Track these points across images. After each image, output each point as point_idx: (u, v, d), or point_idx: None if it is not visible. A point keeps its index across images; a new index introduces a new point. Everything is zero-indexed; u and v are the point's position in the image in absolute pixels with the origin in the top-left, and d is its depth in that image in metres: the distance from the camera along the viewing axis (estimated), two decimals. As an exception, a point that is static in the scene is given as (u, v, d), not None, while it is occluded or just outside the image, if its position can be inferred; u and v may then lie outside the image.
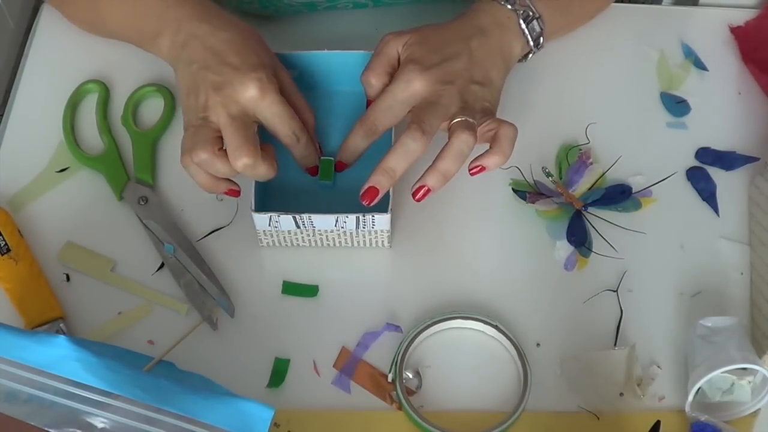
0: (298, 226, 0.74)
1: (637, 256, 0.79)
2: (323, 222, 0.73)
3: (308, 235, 0.75)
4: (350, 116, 0.82)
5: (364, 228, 0.74)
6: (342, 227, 0.74)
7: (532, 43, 0.78)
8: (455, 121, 0.70)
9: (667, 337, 0.75)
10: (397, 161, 0.70)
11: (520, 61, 0.80)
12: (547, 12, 0.79)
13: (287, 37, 0.89)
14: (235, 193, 0.73)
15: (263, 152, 0.70)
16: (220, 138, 0.70)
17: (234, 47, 0.72)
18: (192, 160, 0.70)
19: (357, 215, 0.72)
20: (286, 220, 0.73)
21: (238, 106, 0.70)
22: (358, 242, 0.76)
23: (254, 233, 0.76)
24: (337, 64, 0.81)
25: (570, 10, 0.85)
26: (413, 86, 0.72)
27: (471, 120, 0.70)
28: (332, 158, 0.78)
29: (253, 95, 0.70)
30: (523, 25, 0.77)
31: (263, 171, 0.70)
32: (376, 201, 0.70)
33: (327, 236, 0.75)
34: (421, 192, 0.71)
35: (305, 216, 0.72)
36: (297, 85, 0.77)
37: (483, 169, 0.72)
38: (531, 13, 0.77)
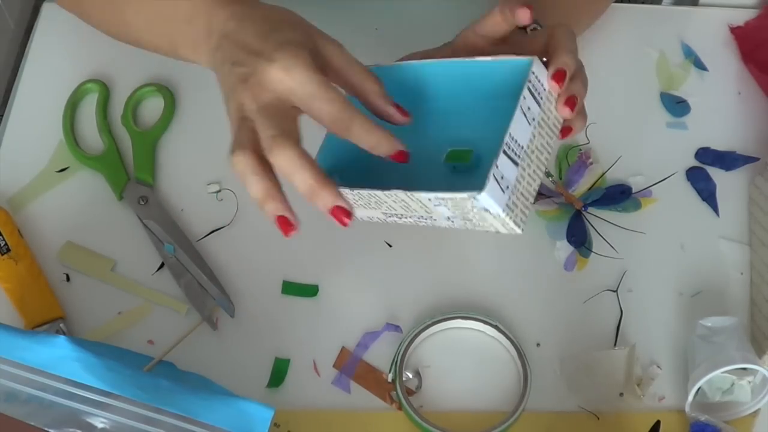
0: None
1: (637, 256, 0.79)
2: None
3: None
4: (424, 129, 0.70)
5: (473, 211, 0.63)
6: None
7: None
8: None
9: (667, 337, 0.75)
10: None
11: None
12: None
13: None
14: (287, 224, 0.61)
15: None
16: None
17: (259, 33, 0.63)
18: (233, 169, 0.61)
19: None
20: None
21: (269, 94, 0.61)
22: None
23: (254, 233, 0.76)
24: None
25: (578, 21, 0.84)
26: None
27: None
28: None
29: (279, 78, 0.60)
30: None
31: (309, 174, 0.58)
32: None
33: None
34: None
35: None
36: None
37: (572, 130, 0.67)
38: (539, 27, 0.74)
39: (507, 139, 0.60)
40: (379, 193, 0.62)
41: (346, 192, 0.62)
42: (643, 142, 0.85)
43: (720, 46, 0.91)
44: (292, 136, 0.59)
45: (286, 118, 0.60)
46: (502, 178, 0.60)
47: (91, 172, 0.81)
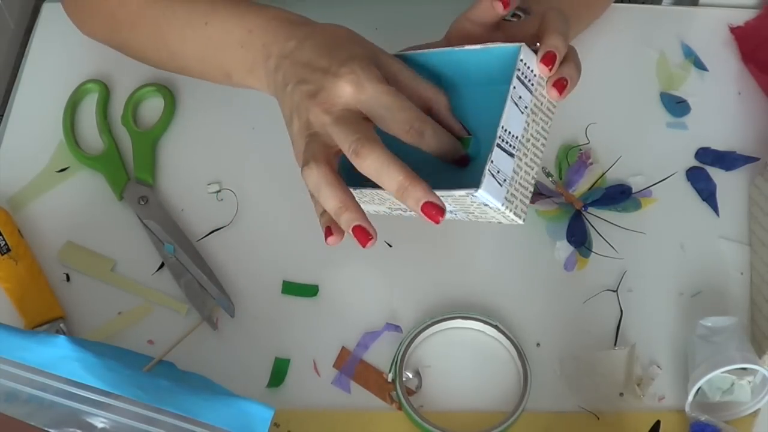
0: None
1: (637, 256, 0.79)
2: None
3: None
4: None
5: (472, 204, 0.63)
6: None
7: None
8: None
9: (667, 337, 0.75)
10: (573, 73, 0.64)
11: None
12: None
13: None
14: (365, 234, 0.61)
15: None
16: (338, 153, 0.62)
17: (321, 51, 0.64)
18: (306, 182, 0.61)
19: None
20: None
21: (340, 107, 0.62)
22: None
23: (254, 233, 0.76)
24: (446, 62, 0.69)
25: (578, 19, 0.84)
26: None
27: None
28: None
29: (350, 91, 0.61)
30: None
31: (399, 171, 0.58)
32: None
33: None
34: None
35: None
36: None
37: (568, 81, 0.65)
38: None
39: (500, 132, 0.60)
40: (382, 192, 0.63)
41: (352, 191, 0.62)
42: (643, 142, 0.85)
43: (720, 46, 0.91)
44: (375, 138, 0.60)
45: (364, 124, 0.61)
46: (498, 172, 0.60)
47: (91, 172, 0.81)
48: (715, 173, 0.83)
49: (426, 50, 0.69)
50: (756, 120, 0.87)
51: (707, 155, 0.84)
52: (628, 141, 0.85)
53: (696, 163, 0.84)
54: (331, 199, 0.61)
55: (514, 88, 0.61)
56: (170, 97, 0.85)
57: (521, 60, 0.62)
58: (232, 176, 0.81)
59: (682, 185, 0.83)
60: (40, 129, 0.84)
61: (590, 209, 0.81)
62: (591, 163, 0.83)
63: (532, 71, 0.63)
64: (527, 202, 0.62)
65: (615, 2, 0.91)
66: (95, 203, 0.80)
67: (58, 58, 0.88)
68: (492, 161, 0.59)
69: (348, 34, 0.66)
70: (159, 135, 0.84)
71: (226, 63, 0.71)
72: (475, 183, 0.59)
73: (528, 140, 0.62)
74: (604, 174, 0.83)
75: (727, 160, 0.84)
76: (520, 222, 0.62)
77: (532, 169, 0.63)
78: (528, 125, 0.62)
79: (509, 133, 0.61)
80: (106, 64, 0.87)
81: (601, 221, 0.80)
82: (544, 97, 0.64)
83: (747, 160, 0.84)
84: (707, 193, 0.82)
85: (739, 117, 0.87)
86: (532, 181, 0.63)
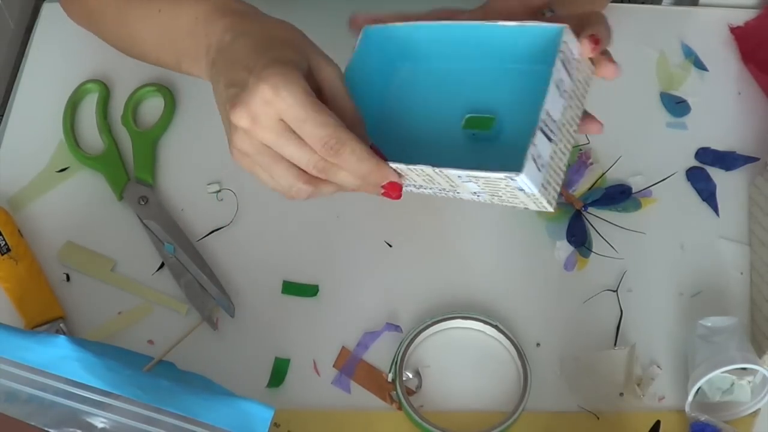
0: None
1: (637, 256, 0.79)
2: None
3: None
4: (446, 94, 0.68)
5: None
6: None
7: None
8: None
9: (667, 337, 0.75)
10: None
11: None
12: None
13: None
14: (394, 189, 0.61)
15: None
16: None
17: (253, 50, 0.60)
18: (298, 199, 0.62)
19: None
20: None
21: (271, 121, 0.58)
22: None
23: (254, 233, 0.76)
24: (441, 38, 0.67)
25: None
26: None
27: None
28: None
29: (266, 96, 0.57)
30: None
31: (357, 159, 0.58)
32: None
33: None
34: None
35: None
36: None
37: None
38: None
39: (543, 115, 0.58)
40: (402, 167, 0.60)
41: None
42: (643, 142, 0.85)
43: (720, 46, 0.91)
44: (332, 117, 0.57)
45: (322, 108, 0.58)
46: (538, 156, 0.58)
47: (91, 172, 0.81)
48: (715, 173, 0.83)
49: (453, 22, 0.66)
50: (756, 120, 0.87)
51: (707, 155, 0.85)
52: (628, 141, 0.85)
53: (696, 163, 0.84)
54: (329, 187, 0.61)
55: (557, 70, 0.59)
56: (170, 97, 0.85)
57: (564, 42, 0.60)
58: (232, 176, 0.81)
59: (682, 185, 0.83)
60: (40, 129, 0.84)
61: (590, 209, 0.81)
62: (591, 163, 0.83)
63: (573, 54, 0.60)
64: (558, 188, 0.60)
65: (615, 2, 0.91)
66: (95, 203, 0.80)
67: (58, 58, 0.88)
68: (535, 145, 0.57)
69: (285, 33, 0.63)
70: (159, 135, 0.84)
71: (178, 52, 0.70)
72: (512, 166, 0.56)
73: (563, 125, 0.60)
74: (604, 174, 0.83)
75: (727, 160, 0.84)
76: (551, 209, 0.60)
77: (565, 156, 0.60)
78: (565, 110, 0.60)
79: (550, 117, 0.59)
80: (106, 64, 0.87)
81: (601, 221, 0.80)
82: (580, 83, 0.62)
83: (747, 160, 0.84)
84: (707, 193, 0.82)
85: (739, 117, 0.87)
86: (564, 168, 0.61)
